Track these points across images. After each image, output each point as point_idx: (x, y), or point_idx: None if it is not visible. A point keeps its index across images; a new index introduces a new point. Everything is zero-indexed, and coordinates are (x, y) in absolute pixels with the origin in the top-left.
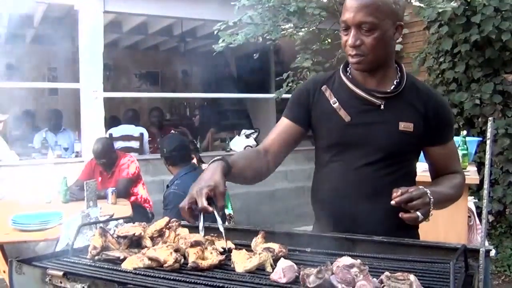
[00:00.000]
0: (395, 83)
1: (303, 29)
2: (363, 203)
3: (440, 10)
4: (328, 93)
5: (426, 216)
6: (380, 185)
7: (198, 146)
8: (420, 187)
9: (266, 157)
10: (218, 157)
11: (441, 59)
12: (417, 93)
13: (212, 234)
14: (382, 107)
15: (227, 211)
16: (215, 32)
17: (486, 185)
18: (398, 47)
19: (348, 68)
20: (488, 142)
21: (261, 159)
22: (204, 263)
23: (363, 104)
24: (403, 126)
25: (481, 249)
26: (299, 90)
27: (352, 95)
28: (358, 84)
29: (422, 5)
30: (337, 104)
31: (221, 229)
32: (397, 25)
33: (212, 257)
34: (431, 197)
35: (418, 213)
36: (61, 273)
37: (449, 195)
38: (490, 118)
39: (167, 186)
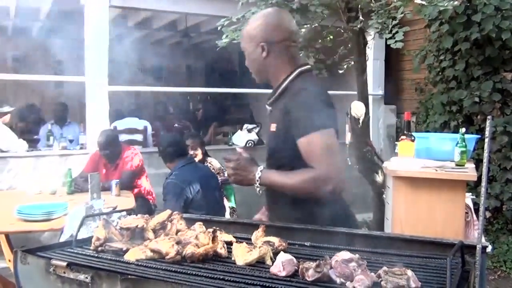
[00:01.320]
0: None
1: (305, 26)
2: (272, 199)
3: (441, 9)
4: None
5: (233, 181)
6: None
7: None
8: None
9: None
10: None
11: (442, 57)
12: (288, 96)
13: (215, 227)
14: (269, 112)
15: (230, 205)
16: (219, 28)
17: (483, 182)
18: (399, 45)
19: None
20: (486, 140)
21: None
22: (200, 250)
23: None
24: (271, 127)
25: (477, 246)
26: None
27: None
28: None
29: (424, 2)
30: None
31: None
32: (261, 45)
33: (215, 242)
34: (257, 176)
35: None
36: (64, 264)
37: (288, 184)
38: (489, 117)
39: (166, 178)
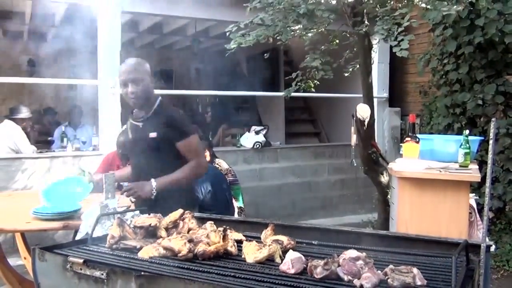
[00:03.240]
0: (151, 110)
1: (312, 31)
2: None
3: (444, 13)
4: (128, 124)
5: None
6: (151, 173)
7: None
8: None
9: None
10: None
11: (445, 61)
12: (160, 114)
13: (225, 226)
14: (141, 126)
15: (238, 204)
16: (227, 34)
17: (488, 183)
18: (404, 53)
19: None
20: (490, 142)
21: None
22: (211, 248)
23: (134, 126)
24: (151, 135)
25: (482, 245)
26: None
27: (130, 123)
28: (132, 115)
29: (428, 6)
30: (128, 130)
31: None
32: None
33: (226, 240)
34: (153, 186)
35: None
36: (81, 261)
37: (175, 178)
38: (493, 119)
39: None
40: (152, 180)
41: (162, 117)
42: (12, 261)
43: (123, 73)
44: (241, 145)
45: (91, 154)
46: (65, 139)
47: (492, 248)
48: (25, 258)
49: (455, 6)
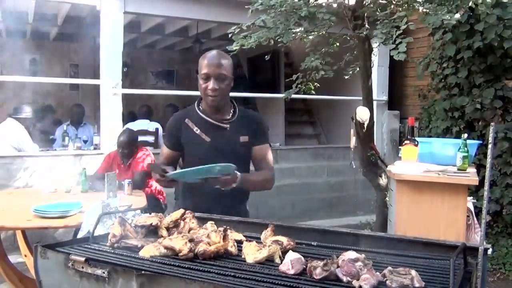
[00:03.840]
0: (231, 111)
1: (313, 33)
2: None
3: (445, 22)
4: (190, 124)
5: (223, 186)
6: None
7: None
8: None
9: None
10: None
11: (445, 65)
12: (246, 116)
13: (226, 226)
14: (228, 128)
15: None
16: (230, 36)
17: (486, 187)
18: (402, 56)
19: (200, 105)
20: (489, 146)
21: None
22: (211, 248)
23: (215, 128)
24: (242, 139)
25: (480, 247)
26: (169, 126)
27: (208, 123)
28: (209, 115)
29: (428, 10)
30: (198, 130)
31: None
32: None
33: (226, 240)
34: (240, 179)
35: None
36: (83, 259)
37: (258, 181)
38: (492, 123)
39: None
40: (238, 175)
41: (252, 120)
42: (13, 258)
43: (208, 66)
44: None
45: (93, 153)
46: (66, 138)
47: (490, 251)
48: (25, 256)
49: (457, 14)
